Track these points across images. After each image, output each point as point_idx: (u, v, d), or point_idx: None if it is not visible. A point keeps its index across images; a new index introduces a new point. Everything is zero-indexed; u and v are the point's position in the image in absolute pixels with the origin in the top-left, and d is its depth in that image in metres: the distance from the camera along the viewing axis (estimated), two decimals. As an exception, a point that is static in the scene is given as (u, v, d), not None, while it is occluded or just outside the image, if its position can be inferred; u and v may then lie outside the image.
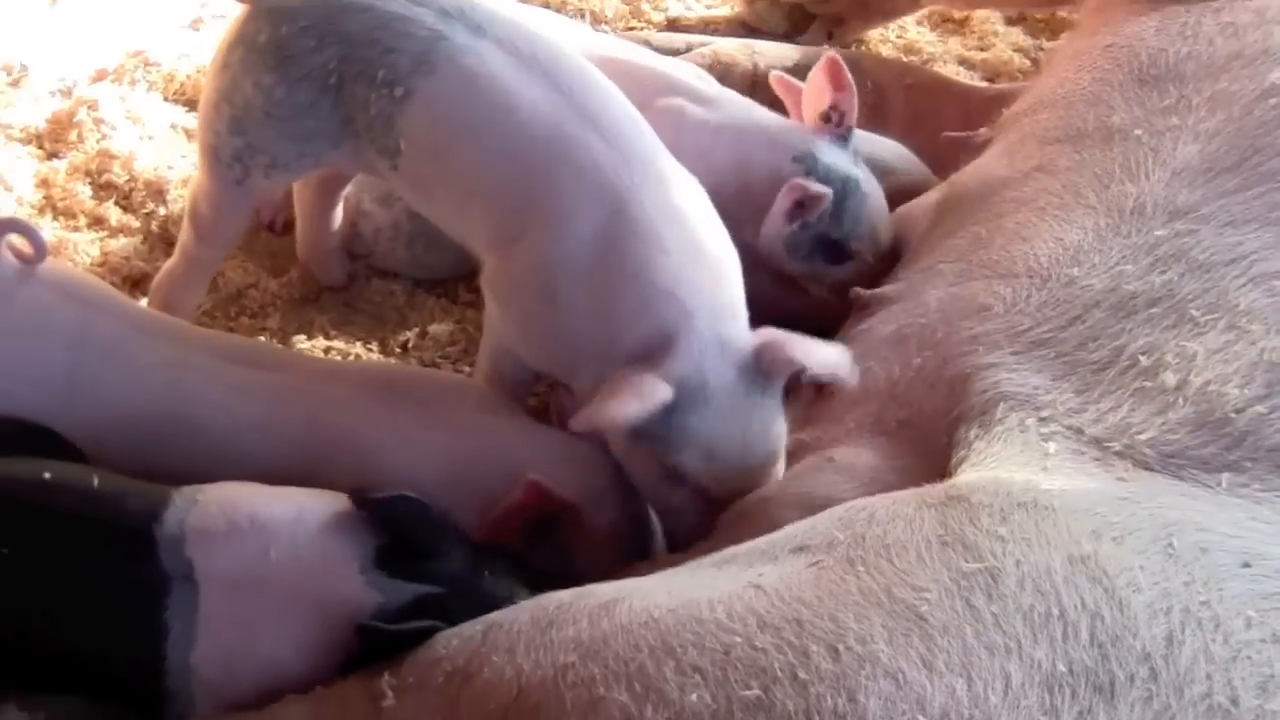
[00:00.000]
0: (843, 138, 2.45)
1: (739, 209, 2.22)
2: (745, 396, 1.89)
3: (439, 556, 1.69)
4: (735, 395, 1.88)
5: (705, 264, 1.96)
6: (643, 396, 1.80)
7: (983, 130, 2.48)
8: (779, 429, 1.93)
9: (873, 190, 2.45)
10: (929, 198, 2.43)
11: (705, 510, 1.92)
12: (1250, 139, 1.98)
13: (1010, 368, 1.80)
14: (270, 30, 2.09)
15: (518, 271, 1.98)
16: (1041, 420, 1.71)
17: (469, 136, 2.01)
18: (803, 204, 2.33)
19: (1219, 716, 1.31)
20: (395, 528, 1.68)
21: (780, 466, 1.94)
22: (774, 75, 2.62)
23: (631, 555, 1.95)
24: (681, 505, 1.94)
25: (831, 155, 2.41)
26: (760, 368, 1.90)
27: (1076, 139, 2.17)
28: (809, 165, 2.38)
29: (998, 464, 1.65)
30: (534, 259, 1.95)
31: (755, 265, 2.09)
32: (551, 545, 1.89)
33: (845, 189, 2.38)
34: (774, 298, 2.16)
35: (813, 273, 2.42)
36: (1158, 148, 2.04)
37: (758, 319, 1.99)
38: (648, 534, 2.01)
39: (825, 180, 2.35)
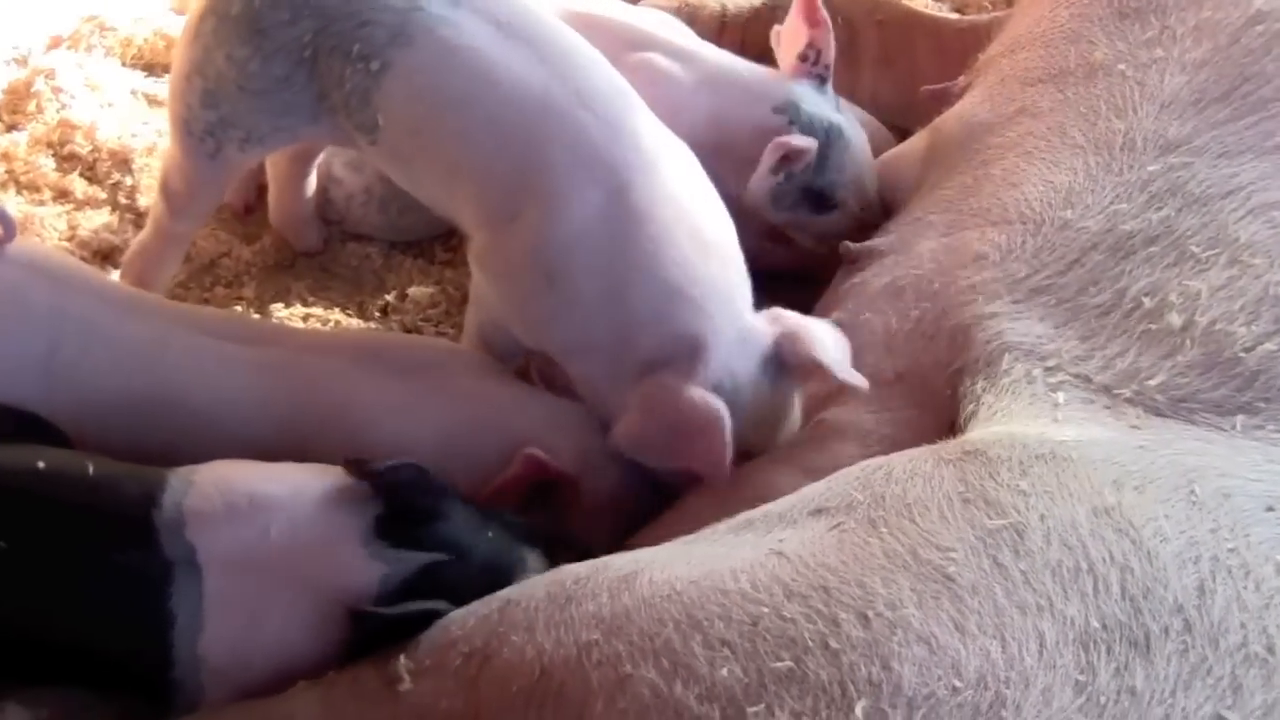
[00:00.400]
0: (821, 78, 2.41)
1: (719, 164, 2.17)
2: (771, 392, 1.89)
3: (442, 521, 1.66)
4: (762, 397, 1.89)
5: (713, 251, 1.93)
6: (721, 431, 1.80)
7: (960, 79, 2.44)
8: (796, 419, 1.94)
9: (856, 136, 2.41)
10: (914, 145, 2.39)
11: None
12: (1239, 67, 1.95)
13: (1012, 317, 1.78)
14: (242, 2, 2.02)
15: (514, 252, 1.93)
16: (1048, 370, 1.69)
17: (450, 111, 1.96)
18: (788, 157, 2.29)
19: (1256, 666, 1.30)
20: (396, 495, 1.64)
21: None
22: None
23: (632, 518, 1.93)
24: (678, 484, 1.93)
25: (814, 103, 2.38)
26: (782, 361, 1.89)
27: (1059, 78, 2.13)
28: (791, 115, 2.34)
29: (1008, 417, 1.64)
30: (531, 240, 1.91)
31: (739, 218, 2.05)
32: (550, 513, 1.87)
33: (829, 137, 2.35)
34: (759, 250, 2.13)
35: (798, 223, 2.39)
36: (1144, 81, 2.01)
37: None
38: (647, 497, 1.98)
39: (809, 129, 2.32)
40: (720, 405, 1.80)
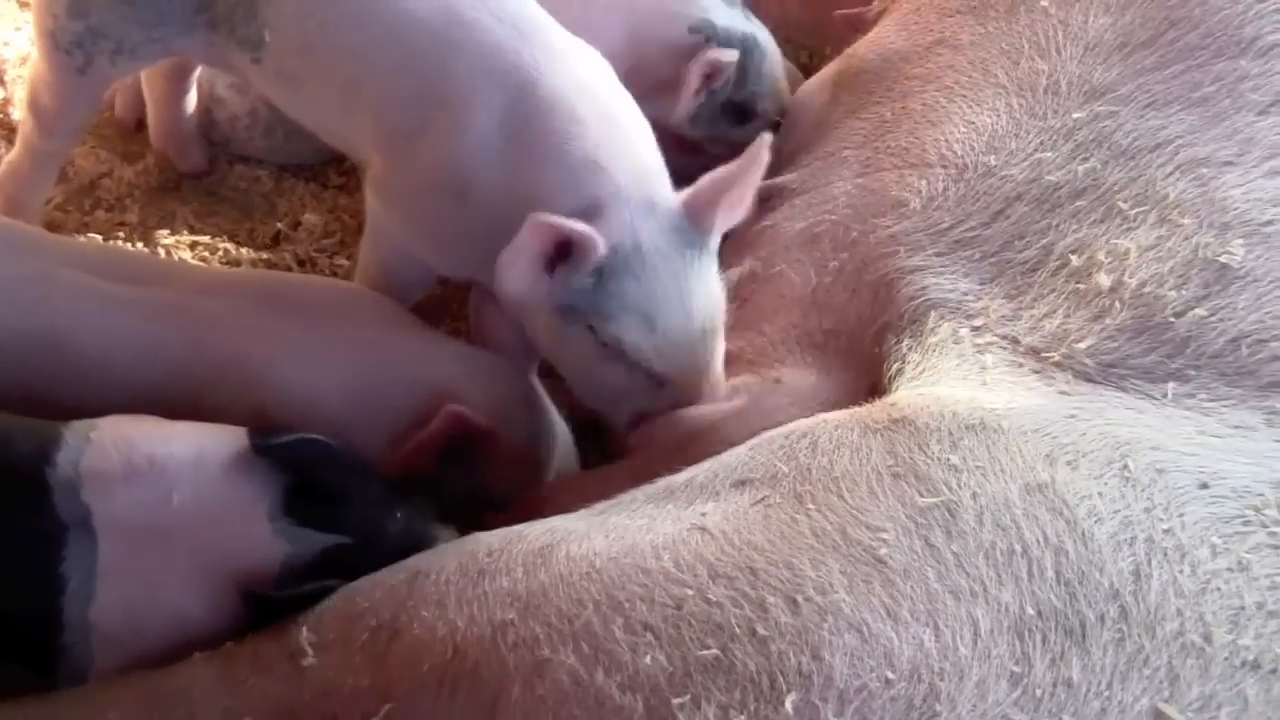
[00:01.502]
0: None
1: (637, 84, 2.11)
2: (681, 256, 1.79)
3: (349, 501, 1.58)
4: (670, 255, 1.78)
5: (621, 131, 1.85)
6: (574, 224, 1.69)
7: (875, 3, 2.38)
8: (718, 291, 1.83)
9: (770, 44, 2.37)
10: (824, 74, 2.33)
11: (650, 394, 1.81)
12: (1165, 11, 1.90)
13: (936, 271, 1.73)
14: None
15: (420, 170, 1.85)
16: (975, 330, 1.65)
17: (347, 26, 1.86)
18: (710, 75, 2.25)
19: (1193, 655, 1.27)
20: (302, 471, 1.56)
21: (721, 341, 1.83)
22: None
23: (543, 471, 1.88)
24: (624, 387, 1.82)
25: (727, 16, 2.33)
26: (693, 222, 1.80)
27: (979, 10, 2.07)
28: (709, 32, 2.28)
29: (936, 378, 1.59)
30: (439, 155, 1.83)
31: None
32: (463, 466, 1.79)
33: (745, 48, 2.30)
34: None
35: (716, 136, 2.35)
36: (1067, 20, 1.96)
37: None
38: (554, 448, 1.92)
39: (727, 44, 2.27)
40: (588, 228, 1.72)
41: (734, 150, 2.26)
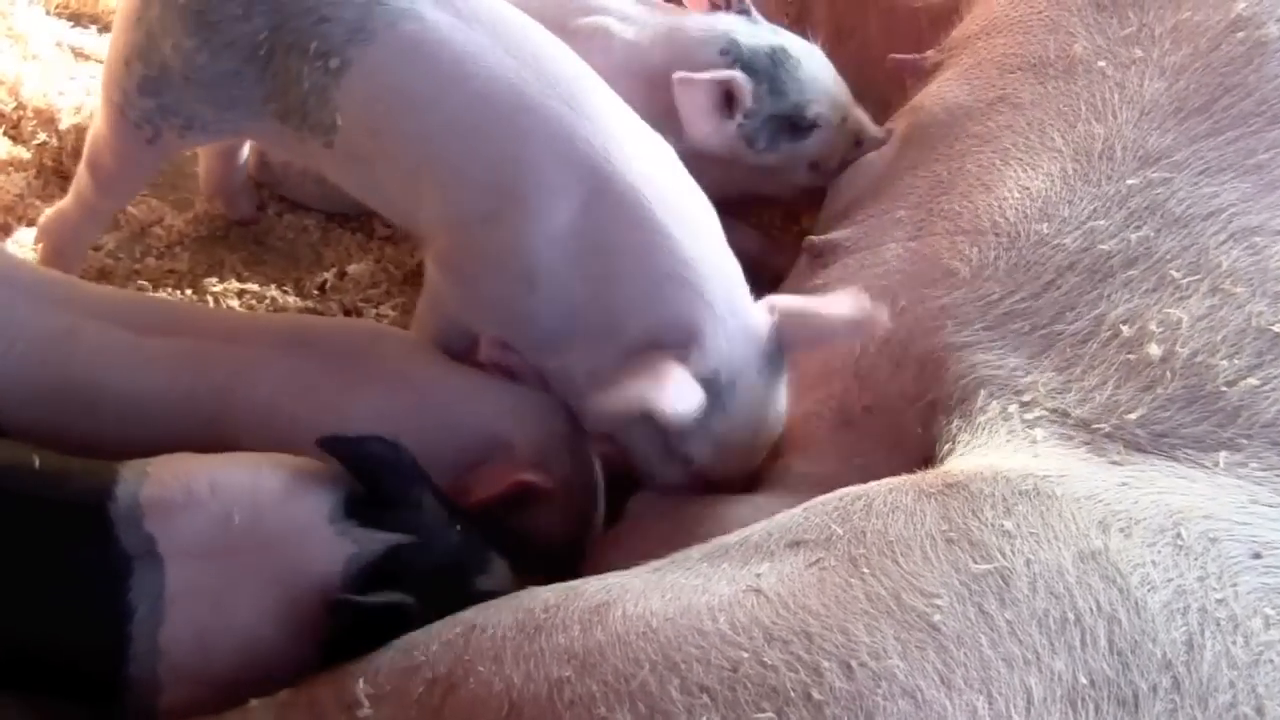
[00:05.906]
0: (745, 12, 2.38)
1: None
2: (765, 383, 1.83)
3: (410, 504, 1.61)
4: (757, 385, 1.82)
5: (701, 232, 1.86)
6: (683, 398, 1.69)
7: (930, 53, 2.37)
8: (784, 408, 1.87)
9: (806, 51, 2.35)
10: (892, 126, 2.33)
11: (693, 480, 1.88)
12: (1219, 77, 1.90)
13: (985, 347, 1.73)
14: None
15: (489, 252, 1.85)
16: (1024, 405, 1.65)
17: (417, 111, 1.86)
18: (730, 95, 2.24)
19: (1245, 728, 1.28)
20: (367, 471, 1.59)
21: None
22: None
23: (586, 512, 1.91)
24: (674, 479, 1.88)
25: (749, 34, 2.32)
26: (781, 347, 1.83)
27: (1038, 68, 2.06)
28: (735, 54, 2.28)
29: (986, 454, 1.59)
30: (511, 241, 1.82)
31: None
32: (502, 508, 1.79)
33: (774, 60, 2.29)
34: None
35: (786, 157, 2.33)
36: (1123, 83, 1.95)
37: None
38: (597, 489, 1.94)
39: (753, 59, 2.27)
40: (693, 385, 1.72)
41: (813, 170, 2.35)
